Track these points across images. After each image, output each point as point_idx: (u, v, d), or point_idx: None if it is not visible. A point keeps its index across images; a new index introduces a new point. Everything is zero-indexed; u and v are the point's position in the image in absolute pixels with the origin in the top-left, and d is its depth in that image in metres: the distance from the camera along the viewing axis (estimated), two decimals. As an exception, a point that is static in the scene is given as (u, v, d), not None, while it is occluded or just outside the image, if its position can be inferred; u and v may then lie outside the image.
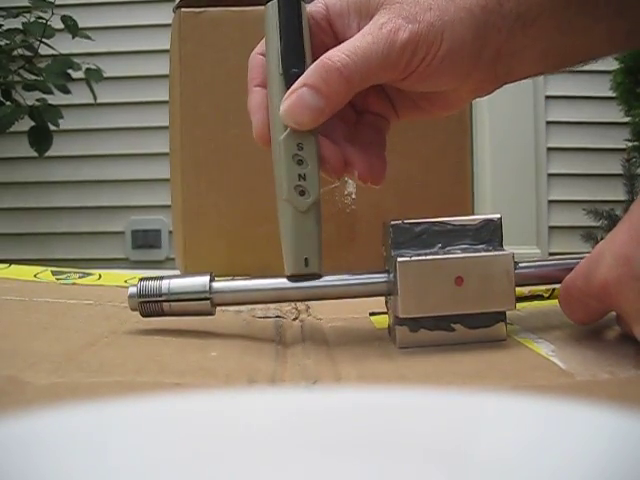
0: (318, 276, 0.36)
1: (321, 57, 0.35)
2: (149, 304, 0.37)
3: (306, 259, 0.36)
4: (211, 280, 0.37)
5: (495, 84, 0.39)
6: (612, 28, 0.39)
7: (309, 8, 0.38)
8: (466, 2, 0.36)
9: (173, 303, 0.37)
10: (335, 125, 0.38)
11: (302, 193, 0.36)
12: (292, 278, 0.36)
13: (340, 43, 0.36)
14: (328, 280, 0.37)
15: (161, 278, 0.37)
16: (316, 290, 0.37)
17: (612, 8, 0.38)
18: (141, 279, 0.38)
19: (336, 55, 0.35)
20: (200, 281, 0.37)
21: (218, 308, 0.38)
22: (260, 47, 0.39)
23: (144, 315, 0.38)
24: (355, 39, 0.35)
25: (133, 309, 0.37)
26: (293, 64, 0.36)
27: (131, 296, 0.37)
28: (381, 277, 0.36)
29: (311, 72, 0.35)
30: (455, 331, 0.35)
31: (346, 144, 0.38)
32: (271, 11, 0.37)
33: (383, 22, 0.35)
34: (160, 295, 0.37)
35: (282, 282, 0.37)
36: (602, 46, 0.40)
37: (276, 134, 0.36)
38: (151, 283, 0.37)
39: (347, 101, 0.36)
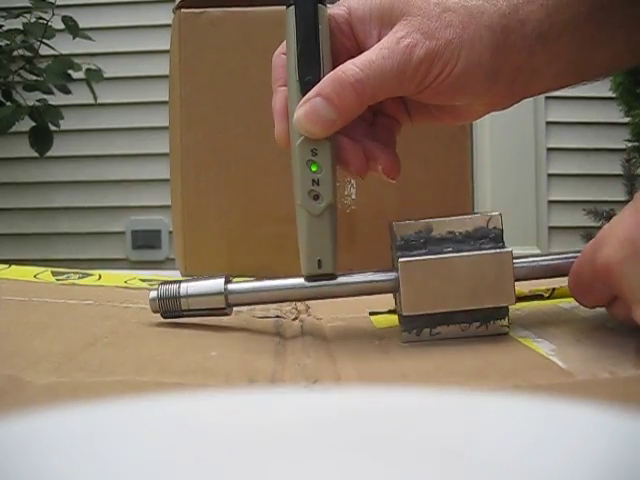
0: (333, 276, 0.37)
1: (336, 69, 0.36)
2: (169, 305, 0.39)
3: (319, 261, 0.37)
4: (226, 282, 0.38)
5: (512, 100, 0.39)
6: (632, 40, 0.39)
7: (332, 10, 0.38)
8: (487, 20, 0.36)
9: (192, 303, 0.38)
10: (355, 123, 0.38)
11: (316, 197, 0.37)
12: (308, 278, 0.37)
13: (360, 48, 0.36)
14: (341, 280, 0.37)
15: (179, 281, 0.39)
16: (327, 289, 0.38)
17: (632, 19, 0.38)
18: (161, 283, 0.39)
19: (350, 69, 0.35)
20: (216, 283, 0.38)
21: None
22: (283, 47, 0.39)
23: (165, 316, 0.39)
24: (371, 52, 0.35)
25: (155, 311, 0.39)
26: (308, 72, 0.36)
27: (152, 299, 0.39)
28: (392, 275, 0.37)
29: (326, 83, 0.35)
30: (458, 327, 0.36)
31: (367, 140, 0.38)
32: (289, 17, 0.37)
33: (401, 36, 0.35)
34: (179, 297, 0.38)
35: (294, 282, 0.38)
36: (622, 59, 0.41)
37: (293, 139, 0.37)
38: (170, 286, 0.39)
39: (360, 113, 0.36)
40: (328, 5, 0.38)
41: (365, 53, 0.36)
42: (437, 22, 0.35)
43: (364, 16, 0.37)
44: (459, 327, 0.36)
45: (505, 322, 0.36)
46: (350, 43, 0.38)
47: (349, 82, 0.35)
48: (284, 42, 0.38)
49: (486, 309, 0.35)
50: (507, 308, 0.36)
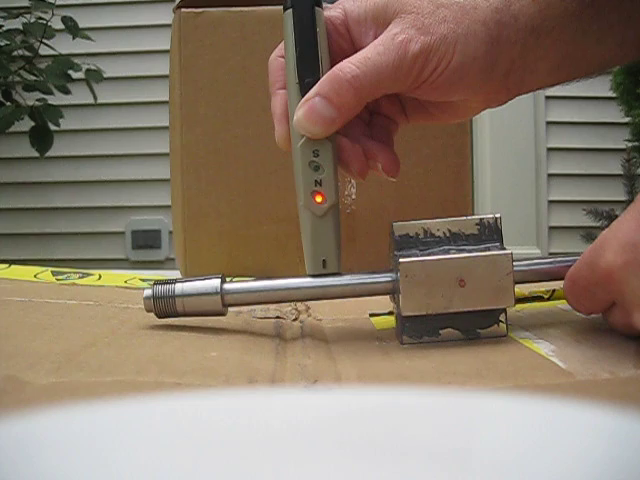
0: (337, 275, 0.37)
1: (333, 68, 0.36)
2: (164, 304, 0.38)
3: (324, 260, 0.37)
4: (222, 282, 0.38)
5: (507, 96, 0.40)
6: (623, 37, 0.39)
7: (328, 12, 0.38)
8: (481, 15, 0.36)
9: (187, 303, 0.38)
10: (353, 123, 0.38)
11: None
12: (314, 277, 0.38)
13: (357, 49, 0.37)
14: (339, 281, 0.37)
15: (174, 281, 0.38)
16: (325, 290, 0.38)
17: (623, 16, 0.38)
18: (155, 282, 0.39)
19: (347, 66, 0.35)
20: (212, 283, 0.38)
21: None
22: (280, 50, 0.39)
23: (159, 316, 0.38)
24: (367, 50, 0.36)
25: (148, 310, 0.38)
26: (307, 74, 0.37)
27: (146, 298, 0.38)
28: (387, 276, 0.37)
29: (324, 83, 0.36)
30: (457, 329, 0.36)
31: (366, 139, 0.39)
32: (287, 20, 0.37)
33: (396, 32, 0.36)
34: (174, 296, 0.38)
35: (292, 282, 0.38)
36: (614, 55, 0.41)
37: (294, 141, 0.37)
38: (165, 286, 0.38)
39: (359, 110, 0.37)
40: (324, 7, 0.38)
41: (361, 51, 0.36)
42: (431, 18, 0.36)
43: (360, 17, 0.37)
44: (458, 331, 0.36)
45: (503, 323, 0.36)
46: (347, 44, 0.38)
47: (346, 80, 0.35)
48: (279, 45, 0.39)
49: (485, 311, 0.35)
50: (505, 311, 0.36)
